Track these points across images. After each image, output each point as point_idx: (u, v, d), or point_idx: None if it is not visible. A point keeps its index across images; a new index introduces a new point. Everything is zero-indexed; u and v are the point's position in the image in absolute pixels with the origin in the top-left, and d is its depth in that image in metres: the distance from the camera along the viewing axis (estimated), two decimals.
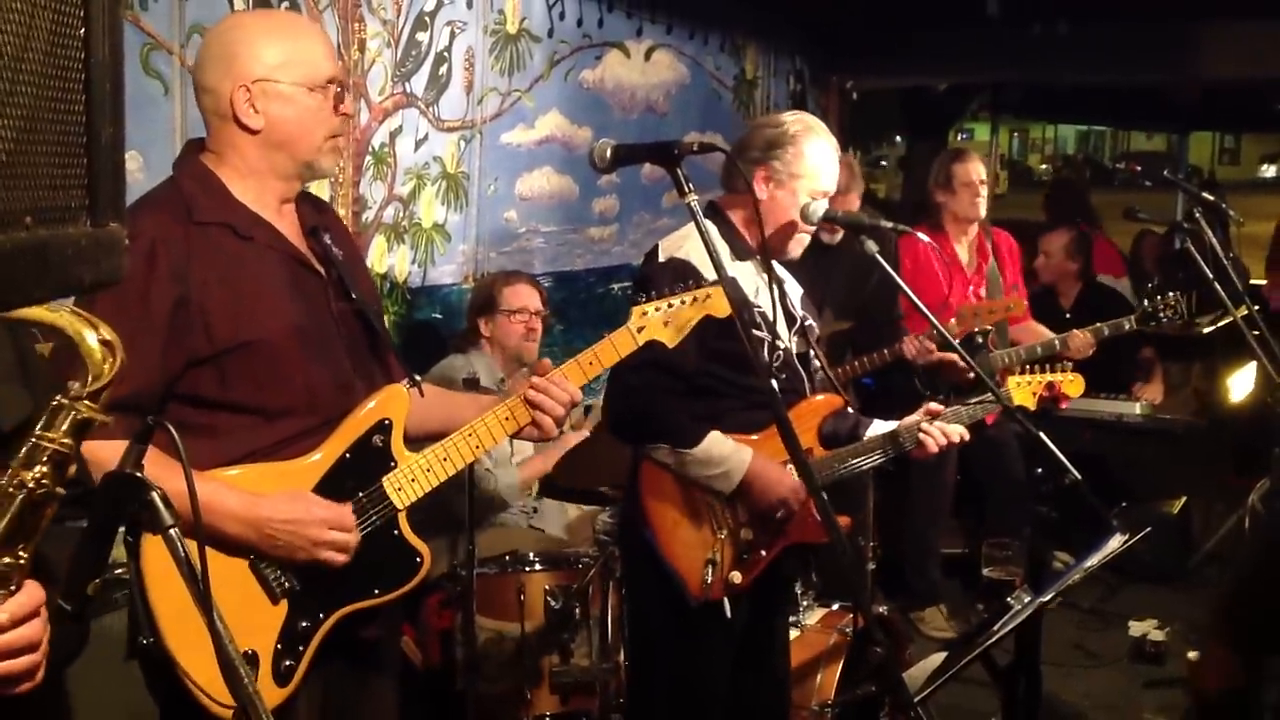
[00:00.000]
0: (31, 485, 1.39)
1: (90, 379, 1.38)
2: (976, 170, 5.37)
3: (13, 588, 1.48)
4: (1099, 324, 5.16)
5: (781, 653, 3.55)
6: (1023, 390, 3.47)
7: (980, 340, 5.18)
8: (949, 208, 5.42)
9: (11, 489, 1.39)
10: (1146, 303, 5.07)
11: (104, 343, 1.38)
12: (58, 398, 1.40)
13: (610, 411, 3.22)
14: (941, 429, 3.21)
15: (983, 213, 5.40)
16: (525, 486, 4.44)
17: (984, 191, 5.36)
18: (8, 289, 1.14)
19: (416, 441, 2.47)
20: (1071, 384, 3.60)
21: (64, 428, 1.40)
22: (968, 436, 3.28)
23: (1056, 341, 5.11)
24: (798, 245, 3.22)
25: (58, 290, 1.29)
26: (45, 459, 1.40)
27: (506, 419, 2.49)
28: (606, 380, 3.23)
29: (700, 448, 3.07)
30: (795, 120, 3.23)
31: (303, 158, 2.39)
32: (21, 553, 1.45)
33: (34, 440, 1.39)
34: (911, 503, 5.72)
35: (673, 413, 3.12)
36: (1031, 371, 3.65)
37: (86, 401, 1.38)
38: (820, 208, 3.22)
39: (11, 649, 1.51)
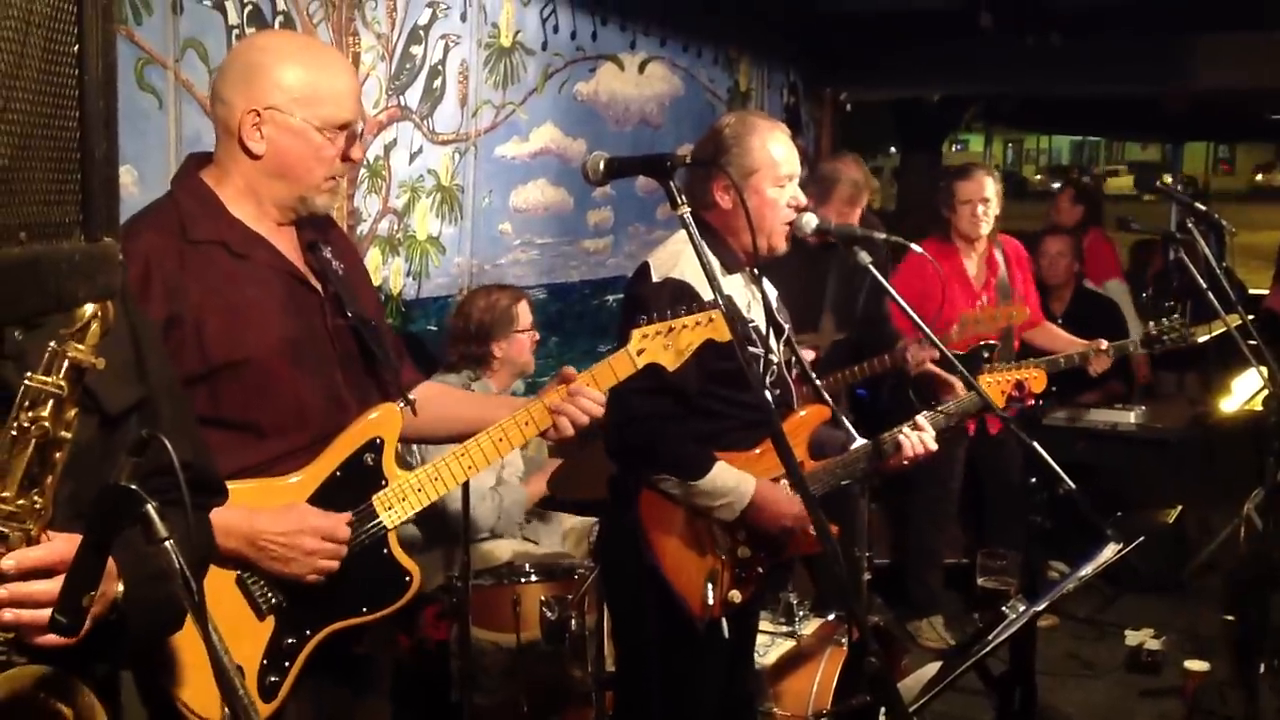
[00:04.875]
0: (29, 426, 1.42)
1: (74, 324, 1.40)
2: (977, 188, 5.31)
3: (32, 533, 1.50)
4: (1108, 346, 5.11)
5: (750, 661, 3.59)
6: (993, 389, 3.49)
7: (986, 355, 5.19)
8: (953, 224, 5.42)
9: (13, 432, 1.43)
10: (1152, 326, 5.06)
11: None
12: (51, 344, 1.42)
13: (614, 439, 3.18)
14: (920, 438, 3.21)
15: (984, 230, 5.34)
16: (529, 505, 4.44)
17: (985, 209, 5.30)
18: (1, 304, 1.15)
19: (449, 442, 2.48)
20: (1036, 380, 3.64)
21: (60, 371, 1.42)
22: (935, 448, 3.27)
23: (1077, 357, 5.10)
24: (780, 237, 3.20)
25: (51, 305, 1.31)
26: (44, 401, 1.42)
27: (526, 424, 2.49)
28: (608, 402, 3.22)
29: (706, 479, 3.07)
30: (730, 123, 3.21)
31: (298, 192, 2.38)
32: (36, 498, 1.47)
33: (26, 383, 1.42)
34: (914, 510, 5.73)
35: (680, 443, 3.10)
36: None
37: (73, 343, 1.40)
38: (812, 220, 3.22)
39: (20, 600, 1.51)
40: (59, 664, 1.56)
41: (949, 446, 5.38)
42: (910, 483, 5.52)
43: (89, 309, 1.40)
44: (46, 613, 1.53)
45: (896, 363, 4.75)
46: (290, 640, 2.33)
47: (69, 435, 1.46)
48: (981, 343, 5.20)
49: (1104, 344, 5.09)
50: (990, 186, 5.33)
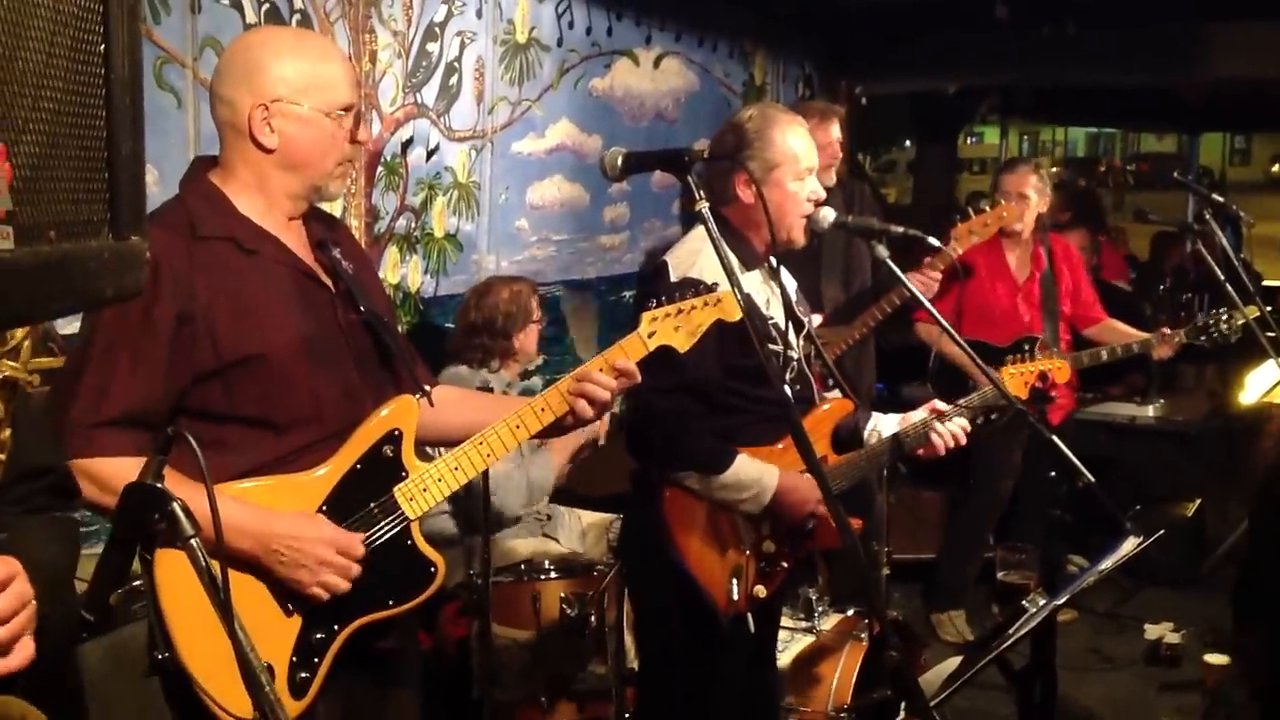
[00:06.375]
0: None
1: (6, 343, 1.40)
2: (1020, 182, 5.30)
3: None
4: (1174, 331, 5.06)
5: (773, 656, 3.60)
6: (1016, 380, 3.47)
7: (1027, 348, 5.16)
8: None
9: None
10: (1200, 317, 5.01)
11: None
12: None
13: (635, 436, 3.19)
14: (949, 429, 3.20)
15: (1017, 226, 5.28)
16: (557, 472, 4.41)
17: (1028, 205, 5.27)
18: (32, 303, 1.16)
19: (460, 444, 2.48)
20: (1059, 370, 3.60)
21: None
22: (965, 441, 3.26)
23: (1136, 345, 5.06)
24: (798, 231, 3.19)
25: (80, 303, 1.31)
26: None
27: (543, 410, 2.49)
28: (625, 398, 3.22)
29: (729, 473, 3.06)
30: (752, 115, 3.19)
31: (312, 181, 2.39)
32: None
33: None
34: (971, 498, 5.71)
35: (701, 439, 3.10)
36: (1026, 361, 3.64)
37: (6, 360, 1.40)
38: (829, 214, 3.21)
39: None
40: None
41: (1010, 438, 5.39)
42: (969, 471, 5.52)
43: (20, 333, 1.40)
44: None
45: (905, 299, 4.69)
46: (319, 636, 2.34)
47: (1, 456, 1.45)
48: (1024, 335, 5.19)
49: (1167, 331, 5.03)
50: (1030, 183, 5.30)
